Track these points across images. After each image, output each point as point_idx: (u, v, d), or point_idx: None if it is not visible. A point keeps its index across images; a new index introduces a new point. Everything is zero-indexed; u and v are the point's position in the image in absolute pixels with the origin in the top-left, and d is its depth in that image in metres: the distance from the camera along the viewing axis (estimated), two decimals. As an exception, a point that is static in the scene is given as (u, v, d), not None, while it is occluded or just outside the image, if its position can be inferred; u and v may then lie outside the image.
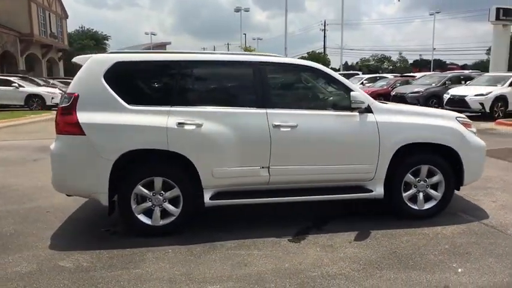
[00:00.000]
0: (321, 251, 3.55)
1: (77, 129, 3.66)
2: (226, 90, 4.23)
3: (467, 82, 16.17)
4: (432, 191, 4.25)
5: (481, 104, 13.48)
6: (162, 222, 3.86)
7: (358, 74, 29.44)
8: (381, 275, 3.11)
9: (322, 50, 63.56)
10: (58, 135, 3.75)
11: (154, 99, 3.91)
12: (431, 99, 15.95)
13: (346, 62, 65.67)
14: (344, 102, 4.10)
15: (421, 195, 4.24)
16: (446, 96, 14.65)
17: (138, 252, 3.54)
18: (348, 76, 24.33)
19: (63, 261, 3.39)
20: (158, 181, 3.81)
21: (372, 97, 4.33)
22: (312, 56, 59.39)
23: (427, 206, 4.26)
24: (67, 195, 4.16)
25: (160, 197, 3.84)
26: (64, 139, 3.73)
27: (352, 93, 3.95)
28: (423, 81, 18.14)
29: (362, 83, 22.45)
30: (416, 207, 4.24)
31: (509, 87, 13.82)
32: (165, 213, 3.87)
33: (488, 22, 26.00)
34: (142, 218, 3.84)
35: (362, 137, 4.04)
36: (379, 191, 4.12)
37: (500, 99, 13.22)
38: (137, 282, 3.04)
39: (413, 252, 3.50)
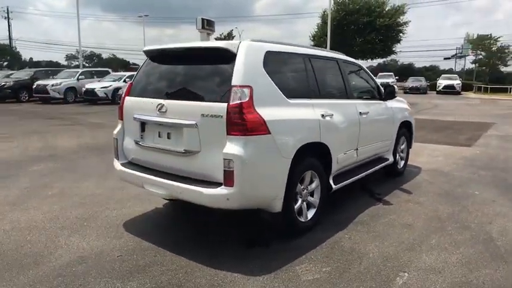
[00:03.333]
0: (415, 205, 4.63)
1: (264, 128, 3.14)
2: (333, 84, 4.46)
3: (100, 78, 21.00)
4: (403, 154, 6.07)
5: (106, 93, 18.97)
6: (309, 217, 3.82)
7: None
8: (473, 201, 4.67)
9: (8, 41, 54.29)
10: (241, 136, 3.04)
11: (298, 92, 3.74)
12: (68, 90, 19.93)
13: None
14: (377, 93, 5.25)
15: (399, 157, 5.98)
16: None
17: (336, 250, 3.44)
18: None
19: (303, 276, 2.99)
20: (308, 175, 3.76)
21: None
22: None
23: (402, 163, 6.05)
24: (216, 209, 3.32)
25: (307, 192, 3.80)
26: (251, 141, 3.08)
27: (394, 85, 5.17)
28: (61, 75, 21.56)
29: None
30: (400, 166, 5.96)
31: (124, 83, 18.83)
32: (308, 207, 3.84)
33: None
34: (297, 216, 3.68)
35: (390, 118, 5.34)
36: (391, 158, 5.55)
37: (119, 89, 18.48)
38: (407, 263, 3.24)
39: (444, 191, 5.17)
